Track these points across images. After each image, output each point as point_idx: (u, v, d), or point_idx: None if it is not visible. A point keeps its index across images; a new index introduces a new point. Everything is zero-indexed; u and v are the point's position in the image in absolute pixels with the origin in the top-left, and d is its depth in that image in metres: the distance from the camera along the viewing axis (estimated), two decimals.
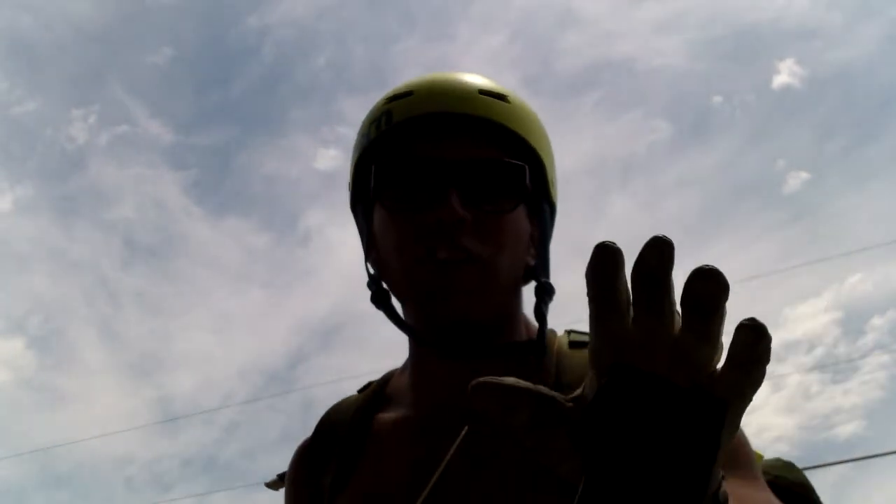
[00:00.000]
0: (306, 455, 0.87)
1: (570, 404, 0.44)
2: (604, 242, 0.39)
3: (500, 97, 0.79)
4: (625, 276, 0.40)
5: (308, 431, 0.88)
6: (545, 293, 0.80)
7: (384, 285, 0.83)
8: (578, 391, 0.44)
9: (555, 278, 0.83)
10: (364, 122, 0.84)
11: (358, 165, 0.83)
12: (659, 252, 0.39)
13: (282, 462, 0.94)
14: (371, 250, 0.84)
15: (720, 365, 0.40)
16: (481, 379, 0.44)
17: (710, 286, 0.38)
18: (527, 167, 0.77)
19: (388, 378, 0.89)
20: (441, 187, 0.74)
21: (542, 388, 0.44)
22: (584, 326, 0.78)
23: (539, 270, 0.82)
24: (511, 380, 0.44)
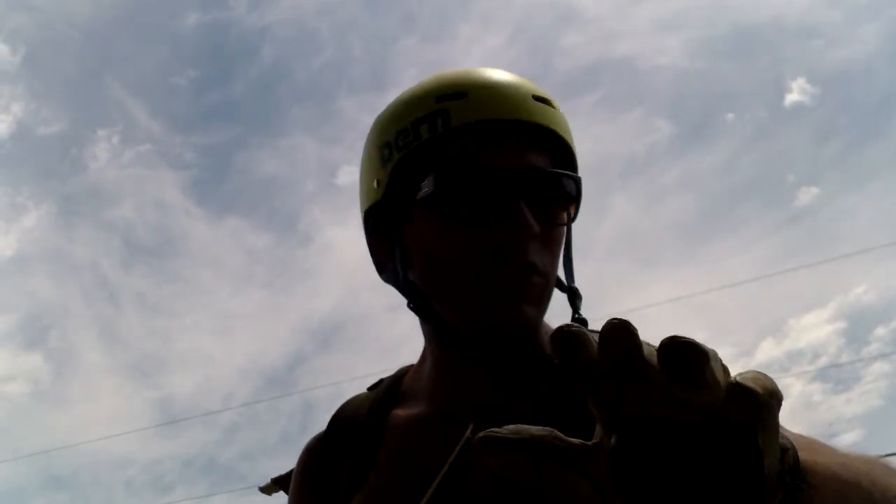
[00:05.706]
0: (319, 452, 0.84)
1: (578, 445, 0.45)
2: (560, 332, 0.43)
3: (549, 102, 0.76)
4: (589, 350, 0.42)
5: (309, 432, 0.86)
6: (577, 298, 0.79)
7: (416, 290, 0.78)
8: (595, 440, 0.45)
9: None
10: (402, 119, 0.76)
11: (400, 167, 0.75)
12: (615, 340, 0.41)
13: (283, 464, 0.93)
14: (405, 259, 0.78)
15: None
16: (482, 434, 0.45)
17: (681, 363, 0.40)
18: (581, 179, 0.77)
19: (400, 375, 0.87)
20: (509, 200, 0.71)
21: (546, 435, 0.45)
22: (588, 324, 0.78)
23: (567, 272, 0.81)
24: (511, 430, 0.45)
